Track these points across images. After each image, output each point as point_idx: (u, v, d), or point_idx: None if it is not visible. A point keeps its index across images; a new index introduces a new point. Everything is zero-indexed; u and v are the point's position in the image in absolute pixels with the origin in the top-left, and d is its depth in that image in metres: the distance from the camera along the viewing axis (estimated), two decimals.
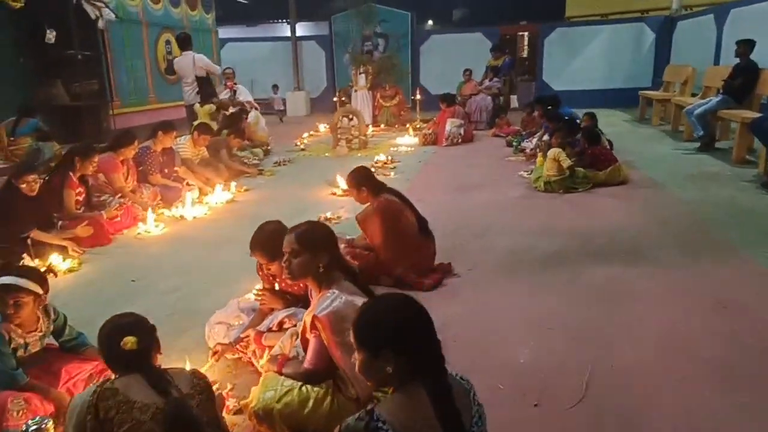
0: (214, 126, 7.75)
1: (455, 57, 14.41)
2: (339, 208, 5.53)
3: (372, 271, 3.41)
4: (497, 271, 3.83)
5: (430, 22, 15.41)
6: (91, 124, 9.00)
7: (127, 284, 3.83)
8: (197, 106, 7.89)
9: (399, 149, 8.98)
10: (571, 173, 5.93)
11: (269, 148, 9.02)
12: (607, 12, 16.39)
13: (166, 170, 5.99)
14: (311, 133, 10.76)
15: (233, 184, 6.38)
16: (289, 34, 16.08)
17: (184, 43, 8.03)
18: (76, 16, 8.28)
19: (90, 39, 8.72)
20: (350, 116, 8.92)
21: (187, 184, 6.02)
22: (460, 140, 9.39)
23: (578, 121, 7.44)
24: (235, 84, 9.29)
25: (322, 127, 10.97)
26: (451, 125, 9.32)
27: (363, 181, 3.61)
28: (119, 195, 5.19)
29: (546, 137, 7.25)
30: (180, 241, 4.78)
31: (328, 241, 2.23)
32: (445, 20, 14.81)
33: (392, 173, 7.11)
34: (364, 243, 3.64)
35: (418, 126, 10.73)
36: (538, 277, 3.71)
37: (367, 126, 11.38)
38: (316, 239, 2.18)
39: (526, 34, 17.53)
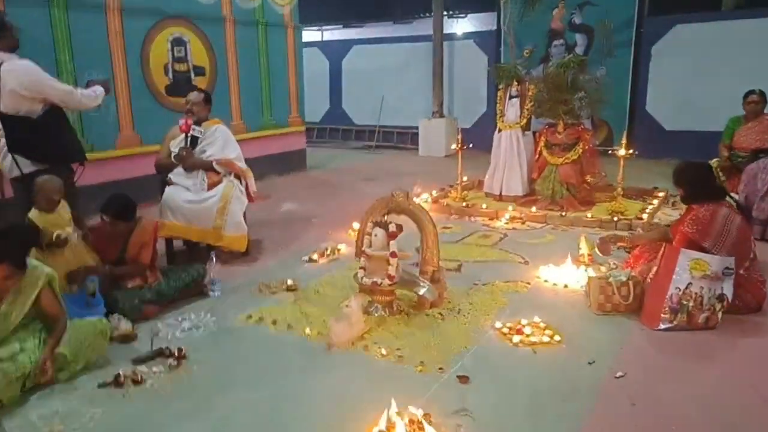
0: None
1: (720, 66, 7.78)
2: None
3: None
4: None
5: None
6: None
7: None
8: None
9: (517, 340, 3.10)
10: None
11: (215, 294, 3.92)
12: None
13: None
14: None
15: None
16: (442, 31, 10.69)
17: None
18: None
19: None
20: (388, 225, 3.34)
21: None
22: (717, 317, 3.14)
23: None
24: (197, 128, 4.36)
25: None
26: (690, 267, 3.11)
27: None
28: None
29: None
30: None
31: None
32: (710, 7, 8.62)
33: None
34: None
35: (611, 227, 4.53)
36: None
37: (497, 214, 5.64)
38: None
39: None
